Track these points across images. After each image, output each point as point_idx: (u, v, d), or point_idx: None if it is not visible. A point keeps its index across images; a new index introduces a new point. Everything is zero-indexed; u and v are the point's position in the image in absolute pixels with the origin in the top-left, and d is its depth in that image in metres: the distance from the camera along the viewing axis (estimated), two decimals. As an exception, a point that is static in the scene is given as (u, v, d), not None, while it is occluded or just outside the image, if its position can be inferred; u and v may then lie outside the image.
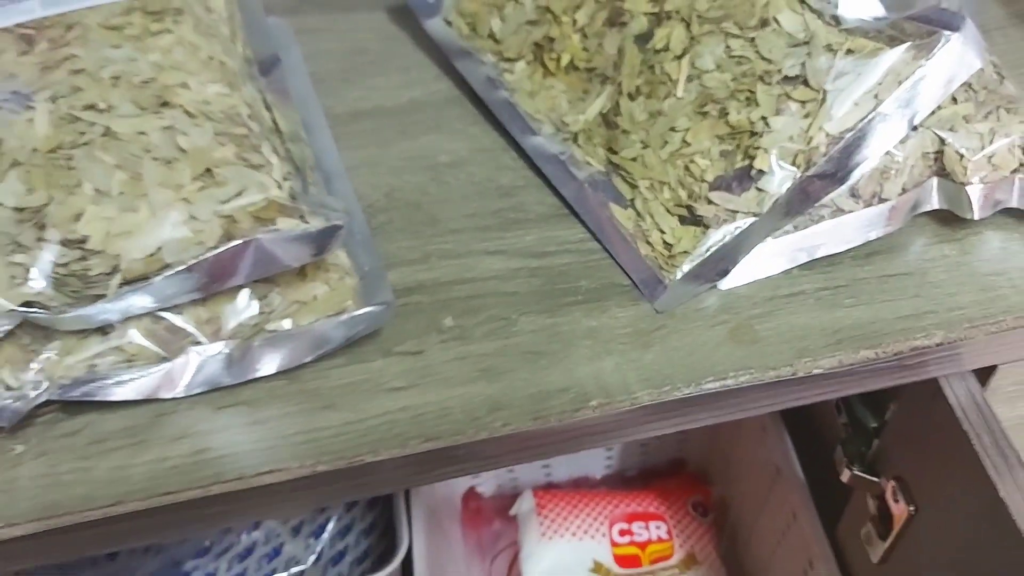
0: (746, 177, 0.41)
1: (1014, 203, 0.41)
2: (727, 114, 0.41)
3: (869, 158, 0.40)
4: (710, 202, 0.41)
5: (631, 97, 0.44)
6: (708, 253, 0.41)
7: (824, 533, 0.58)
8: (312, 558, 0.65)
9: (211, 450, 0.36)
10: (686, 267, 0.41)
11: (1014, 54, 0.49)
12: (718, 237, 0.41)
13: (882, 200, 0.41)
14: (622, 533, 0.69)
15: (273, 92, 0.45)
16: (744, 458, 0.69)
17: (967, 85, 0.41)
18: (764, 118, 0.40)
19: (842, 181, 0.40)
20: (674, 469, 0.79)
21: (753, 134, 0.41)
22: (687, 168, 0.42)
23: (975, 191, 0.40)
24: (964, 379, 0.42)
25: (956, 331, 0.38)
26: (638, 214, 0.43)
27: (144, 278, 0.35)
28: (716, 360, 0.38)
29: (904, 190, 0.41)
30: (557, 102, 0.47)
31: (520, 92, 0.48)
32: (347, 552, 0.66)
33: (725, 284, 0.41)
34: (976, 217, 0.41)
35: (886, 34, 0.40)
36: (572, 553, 0.68)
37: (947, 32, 0.39)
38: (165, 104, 0.39)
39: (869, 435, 0.51)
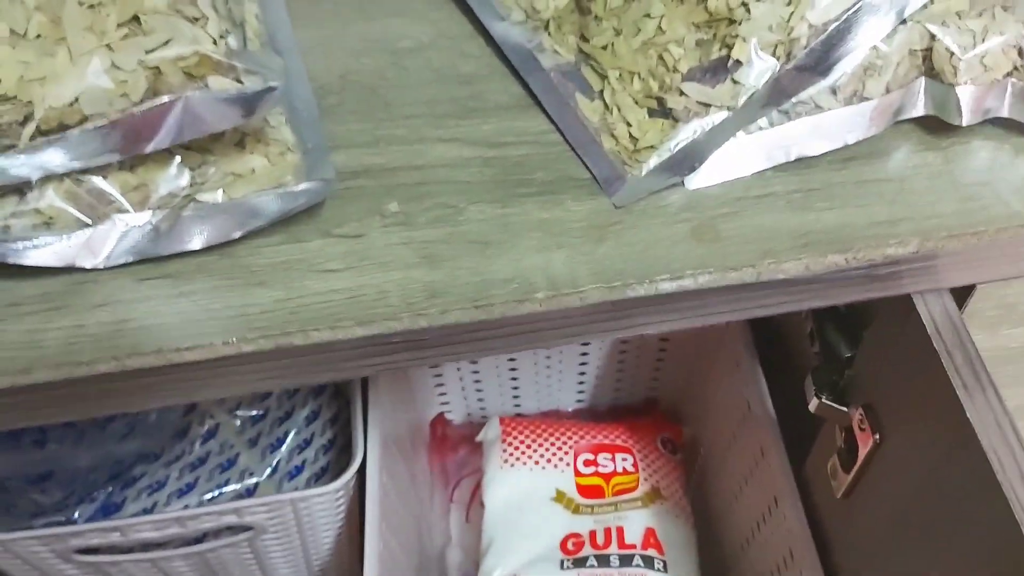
0: (722, 68, 0.38)
1: (1005, 112, 0.38)
2: (705, 0, 0.38)
3: (853, 52, 0.37)
4: (682, 94, 0.38)
5: (606, -18, 0.41)
6: (676, 149, 0.38)
7: (791, 469, 0.56)
8: (268, 471, 0.64)
9: (132, 320, 0.34)
10: (652, 162, 0.38)
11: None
12: (688, 132, 0.38)
13: (864, 99, 0.38)
14: (587, 464, 0.67)
15: None
16: (716, 395, 0.67)
17: (964, -20, 0.38)
18: (744, 4, 0.38)
19: (823, 75, 0.37)
20: (646, 408, 0.77)
21: (732, 22, 0.38)
22: (660, 57, 0.39)
23: (965, 93, 0.37)
24: (940, 296, 0.39)
25: (933, 239, 0.36)
26: (606, 106, 0.40)
27: (61, 129, 0.33)
28: (673, 257, 0.36)
29: (888, 90, 0.38)
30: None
31: (492, -23, 0.45)
32: (304, 467, 0.65)
33: (692, 182, 0.39)
34: (964, 123, 0.38)
35: (880, -79, 0.37)
36: (534, 481, 0.66)
37: (947, -81, 0.36)
38: None
39: (842, 365, 0.49)
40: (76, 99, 0.33)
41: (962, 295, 0.41)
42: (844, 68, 0.37)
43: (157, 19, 0.34)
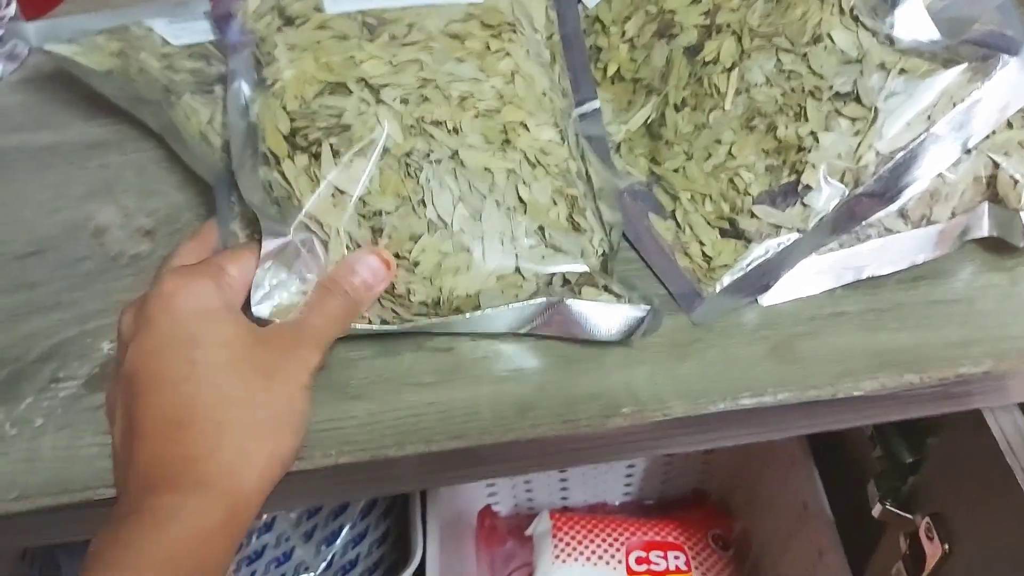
0: (792, 192, 0.40)
1: (1068, 234, 0.40)
2: (775, 128, 0.41)
3: (919, 179, 0.39)
4: (753, 216, 0.40)
5: (677, 108, 0.44)
6: (749, 268, 0.40)
7: (852, 574, 0.56)
8: (323, 565, 0.64)
9: (233, 434, 0.36)
10: (726, 280, 0.40)
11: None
12: (760, 252, 0.40)
13: (931, 223, 0.40)
14: (639, 561, 0.67)
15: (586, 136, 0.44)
16: (770, 492, 0.67)
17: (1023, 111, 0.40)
18: (813, 133, 0.40)
19: (891, 201, 0.39)
20: (695, 500, 0.77)
21: (801, 149, 0.40)
22: (731, 181, 0.41)
23: (1029, 218, 0.39)
24: (1010, 412, 0.40)
25: (1006, 361, 0.37)
26: (678, 226, 0.42)
27: (457, 312, 0.37)
28: (754, 376, 0.37)
29: (954, 214, 0.40)
30: (601, 111, 0.47)
31: (564, 100, 0.48)
32: (359, 561, 0.65)
33: (766, 300, 0.40)
34: (1028, 246, 0.39)
35: (941, 56, 0.39)
36: (587, 578, 0.66)
37: (1005, 56, 0.38)
38: (507, 143, 0.38)
39: (905, 470, 0.49)
40: (478, 293, 0.36)
41: (1030, 409, 0.42)
42: (911, 194, 0.39)
43: (559, 233, 0.37)
